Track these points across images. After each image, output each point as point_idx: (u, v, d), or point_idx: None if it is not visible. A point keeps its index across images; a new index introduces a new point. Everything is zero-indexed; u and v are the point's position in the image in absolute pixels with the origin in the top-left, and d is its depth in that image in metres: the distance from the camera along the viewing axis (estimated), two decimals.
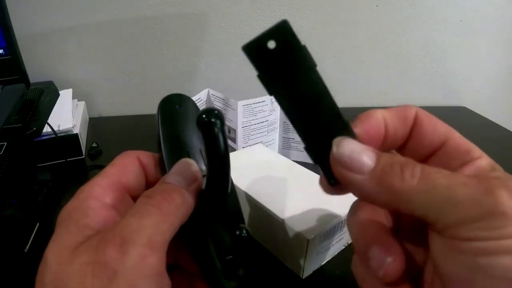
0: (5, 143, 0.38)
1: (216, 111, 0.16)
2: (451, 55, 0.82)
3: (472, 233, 0.14)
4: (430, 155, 0.20)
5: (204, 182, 0.20)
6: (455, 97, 0.87)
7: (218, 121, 0.16)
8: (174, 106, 0.24)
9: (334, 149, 0.18)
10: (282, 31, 0.16)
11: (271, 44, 0.16)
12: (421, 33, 0.78)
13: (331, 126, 0.18)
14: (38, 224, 0.41)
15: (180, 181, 0.19)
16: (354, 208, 0.21)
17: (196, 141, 0.23)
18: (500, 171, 0.18)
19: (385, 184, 0.16)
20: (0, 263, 0.37)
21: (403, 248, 0.18)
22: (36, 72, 0.53)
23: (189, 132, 0.23)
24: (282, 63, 0.17)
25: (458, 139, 0.19)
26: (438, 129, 0.20)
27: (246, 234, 0.20)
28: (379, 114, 0.20)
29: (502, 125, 0.75)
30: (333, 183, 0.18)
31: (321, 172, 0.19)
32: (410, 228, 0.20)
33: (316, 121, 0.18)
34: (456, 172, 0.18)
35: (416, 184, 0.15)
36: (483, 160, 0.18)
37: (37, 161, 0.54)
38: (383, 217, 0.20)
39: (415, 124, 0.20)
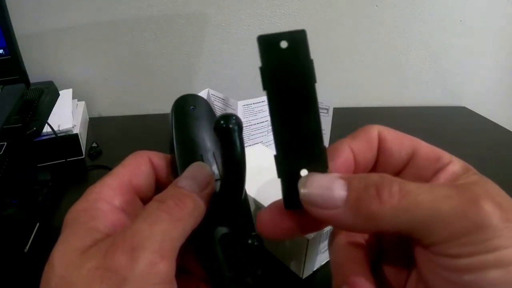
0: (5, 143, 0.38)
1: (234, 117, 0.16)
2: (451, 55, 0.82)
3: (458, 250, 0.14)
4: (401, 170, 0.20)
5: (217, 186, 0.20)
6: (455, 97, 0.87)
7: (236, 127, 0.16)
8: (189, 107, 0.23)
9: (302, 190, 0.17)
10: (299, 38, 0.17)
11: (284, 44, 0.16)
12: (421, 33, 0.78)
13: (308, 145, 0.17)
14: (38, 224, 0.41)
15: (193, 185, 0.18)
16: (331, 233, 0.21)
17: (209, 144, 0.22)
18: (473, 173, 0.17)
19: (362, 211, 0.15)
20: (0, 263, 0.37)
21: (383, 275, 0.19)
22: (36, 72, 0.53)
23: (202, 135, 0.22)
24: (286, 64, 0.17)
25: (425, 148, 0.19)
26: (403, 143, 0.19)
27: (257, 243, 0.20)
28: (345, 146, 0.19)
29: (502, 125, 0.75)
30: (289, 207, 0.18)
31: (282, 191, 0.18)
32: (393, 242, 0.20)
33: (296, 133, 0.17)
34: (432, 182, 0.18)
35: (397, 203, 0.15)
36: (455, 165, 0.18)
37: (37, 161, 0.54)
38: (360, 238, 0.20)
39: (380, 143, 0.20)
